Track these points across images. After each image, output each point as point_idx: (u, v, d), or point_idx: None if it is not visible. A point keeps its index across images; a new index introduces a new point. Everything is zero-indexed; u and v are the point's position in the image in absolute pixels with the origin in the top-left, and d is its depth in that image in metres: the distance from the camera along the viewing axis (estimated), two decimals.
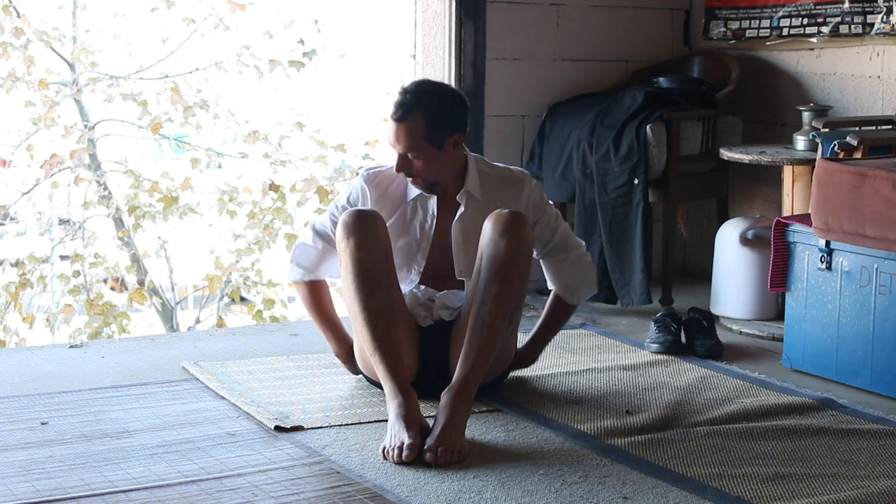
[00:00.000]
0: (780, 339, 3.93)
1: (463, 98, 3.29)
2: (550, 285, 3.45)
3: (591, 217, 4.53)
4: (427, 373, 3.24)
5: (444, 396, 2.95)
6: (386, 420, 2.97)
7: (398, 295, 3.19)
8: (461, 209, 3.26)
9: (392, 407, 2.94)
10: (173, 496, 2.58)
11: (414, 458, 2.80)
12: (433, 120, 3.13)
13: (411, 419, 2.89)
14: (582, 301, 3.52)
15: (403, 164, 3.18)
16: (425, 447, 2.82)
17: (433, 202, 3.28)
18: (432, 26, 4.81)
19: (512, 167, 3.40)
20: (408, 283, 3.29)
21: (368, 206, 3.28)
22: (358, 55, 7.67)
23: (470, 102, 4.48)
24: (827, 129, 4.04)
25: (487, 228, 3.09)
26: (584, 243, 3.47)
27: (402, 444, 2.82)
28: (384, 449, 2.85)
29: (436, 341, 3.24)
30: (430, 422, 3.00)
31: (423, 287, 3.30)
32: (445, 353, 3.22)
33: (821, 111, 4.35)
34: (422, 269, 3.29)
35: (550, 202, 3.45)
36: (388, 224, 3.22)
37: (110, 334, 6.57)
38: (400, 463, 2.80)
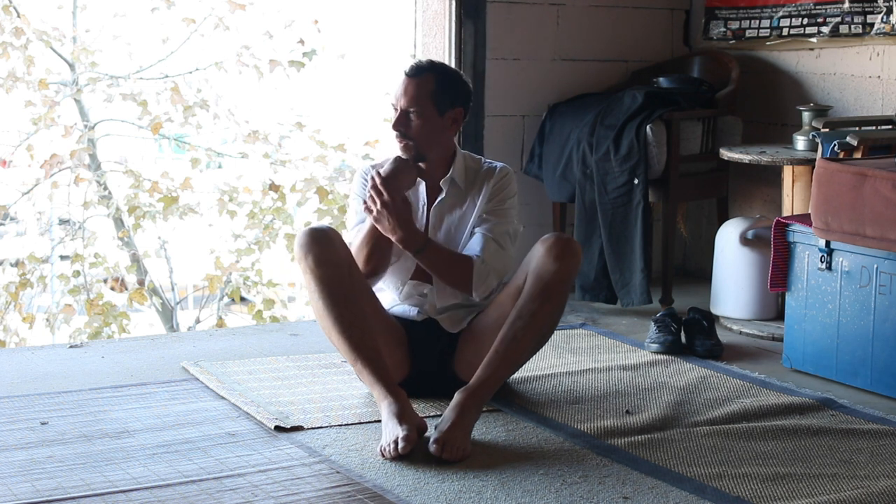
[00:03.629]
0: (780, 339, 3.93)
1: (470, 86, 3.33)
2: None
3: (591, 217, 4.53)
4: (424, 367, 3.26)
5: (458, 395, 2.97)
6: None
7: (370, 300, 3.21)
8: (442, 195, 3.29)
9: (383, 407, 2.97)
10: (173, 496, 2.58)
11: (410, 449, 2.82)
12: (443, 83, 3.21)
13: (403, 415, 2.91)
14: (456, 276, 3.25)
15: (402, 121, 3.20)
16: (431, 440, 2.84)
17: (422, 189, 3.30)
18: (432, 26, 4.81)
19: (494, 161, 3.41)
20: (404, 273, 3.30)
21: None
22: (358, 55, 7.67)
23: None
24: (827, 129, 4.04)
25: (540, 248, 3.11)
26: (509, 258, 3.29)
27: (398, 437, 2.83)
28: (382, 448, 2.86)
29: (430, 335, 3.26)
30: (429, 422, 3.00)
31: (415, 282, 3.30)
32: (442, 346, 3.25)
33: (821, 111, 4.35)
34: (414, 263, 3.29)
35: (520, 227, 3.38)
36: None
37: (110, 334, 6.57)
38: (397, 456, 2.81)
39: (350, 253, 3.19)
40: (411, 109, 3.19)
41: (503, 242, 3.24)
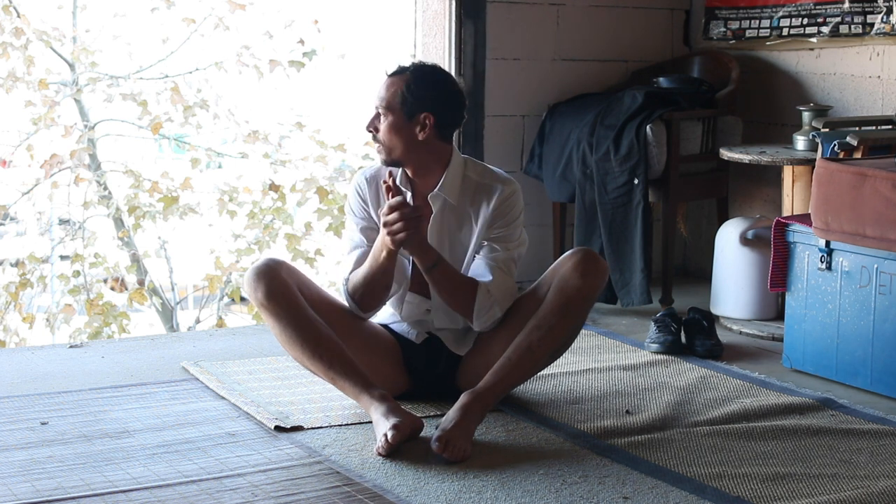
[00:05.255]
0: (780, 339, 3.93)
1: (456, 89, 3.16)
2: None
3: (591, 217, 4.53)
4: (425, 385, 3.26)
5: (465, 396, 2.97)
6: None
7: (338, 318, 3.15)
8: (433, 212, 3.17)
9: (371, 412, 2.97)
10: (173, 496, 2.58)
11: (400, 438, 2.83)
12: (414, 86, 3.09)
13: (391, 412, 2.91)
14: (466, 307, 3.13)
15: (372, 121, 3.13)
16: (434, 437, 2.84)
17: (407, 197, 3.15)
18: (432, 26, 4.81)
19: (501, 174, 3.24)
20: (404, 285, 3.22)
21: (368, 207, 3.23)
22: (358, 55, 7.67)
23: (469, 103, 4.50)
24: (827, 129, 4.04)
25: (567, 262, 3.07)
26: (514, 285, 3.21)
27: (387, 429, 2.84)
28: (377, 448, 2.86)
29: (431, 355, 3.24)
30: (429, 422, 3.01)
31: (418, 298, 3.23)
32: (443, 366, 3.24)
33: (821, 111, 4.35)
34: (409, 272, 3.20)
35: (525, 242, 3.25)
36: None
37: (110, 334, 6.57)
38: (389, 448, 2.82)
39: (300, 277, 3.13)
40: (379, 110, 3.11)
41: (509, 270, 3.15)
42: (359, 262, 3.16)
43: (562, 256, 3.14)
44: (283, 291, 3.05)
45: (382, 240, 3.01)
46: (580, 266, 3.04)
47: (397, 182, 3.16)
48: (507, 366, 3.03)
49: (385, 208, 2.99)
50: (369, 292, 3.13)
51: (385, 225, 2.97)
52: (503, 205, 3.16)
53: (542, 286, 3.13)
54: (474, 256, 3.17)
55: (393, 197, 2.98)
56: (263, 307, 3.05)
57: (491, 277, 3.10)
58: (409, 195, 3.16)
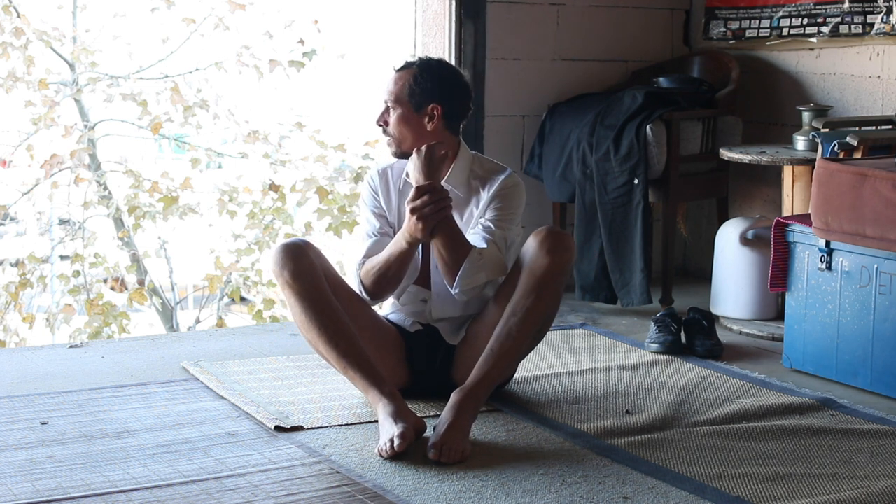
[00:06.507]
0: (780, 339, 3.93)
1: (463, 81, 3.24)
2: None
3: (591, 217, 4.53)
4: (423, 377, 3.26)
5: (455, 396, 2.96)
6: None
7: (357, 307, 3.17)
8: None
9: (378, 409, 2.97)
10: (173, 496, 2.58)
11: (406, 446, 2.82)
12: (421, 78, 3.16)
13: (399, 414, 2.91)
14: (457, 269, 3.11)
15: (382, 115, 3.20)
16: (429, 444, 2.84)
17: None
18: (432, 26, 4.81)
19: (503, 168, 3.28)
20: (411, 276, 3.24)
21: (380, 198, 3.28)
22: (358, 55, 7.67)
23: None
24: (827, 129, 4.04)
25: (533, 243, 3.07)
26: (504, 264, 3.18)
27: (393, 435, 2.83)
28: (379, 449, 2.86)
29: (429, 345, 3.25)
30: (428, 422, 3.00)
31: (416, 288, 3.26)
32: (440, 357, 3.24)
33: (821, 111, 4.35)
34: (419, 264, 3.24)
35: (517, 238, 3.26)
36: (395, 219, 3.23)
37: (110, 334, 6.57)
38: (394, 454, 2.81)
39: (326, 262, 3.15)
40: (389, 103, 3.18)
41: (501, 247, 3.17)
42: (372, 250, 3.20)
43: (528, 238, 3.12)
44: (309, 273, 3.06)
45: (408, 228, 3.03)
46: (545, 244, 3.04)
47: (405, 175, 3.25)
48: (491, 357, 3.02)
49: (413, 192, 3.03)
50: (383, 280, 3.16)
51: (413, 210, 3.00)
52: (502, 191, 3.20)
53: (514, 272, 3.13)
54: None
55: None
56: (288, 286, 3.06)
57: (485, 246, 3.13)
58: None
